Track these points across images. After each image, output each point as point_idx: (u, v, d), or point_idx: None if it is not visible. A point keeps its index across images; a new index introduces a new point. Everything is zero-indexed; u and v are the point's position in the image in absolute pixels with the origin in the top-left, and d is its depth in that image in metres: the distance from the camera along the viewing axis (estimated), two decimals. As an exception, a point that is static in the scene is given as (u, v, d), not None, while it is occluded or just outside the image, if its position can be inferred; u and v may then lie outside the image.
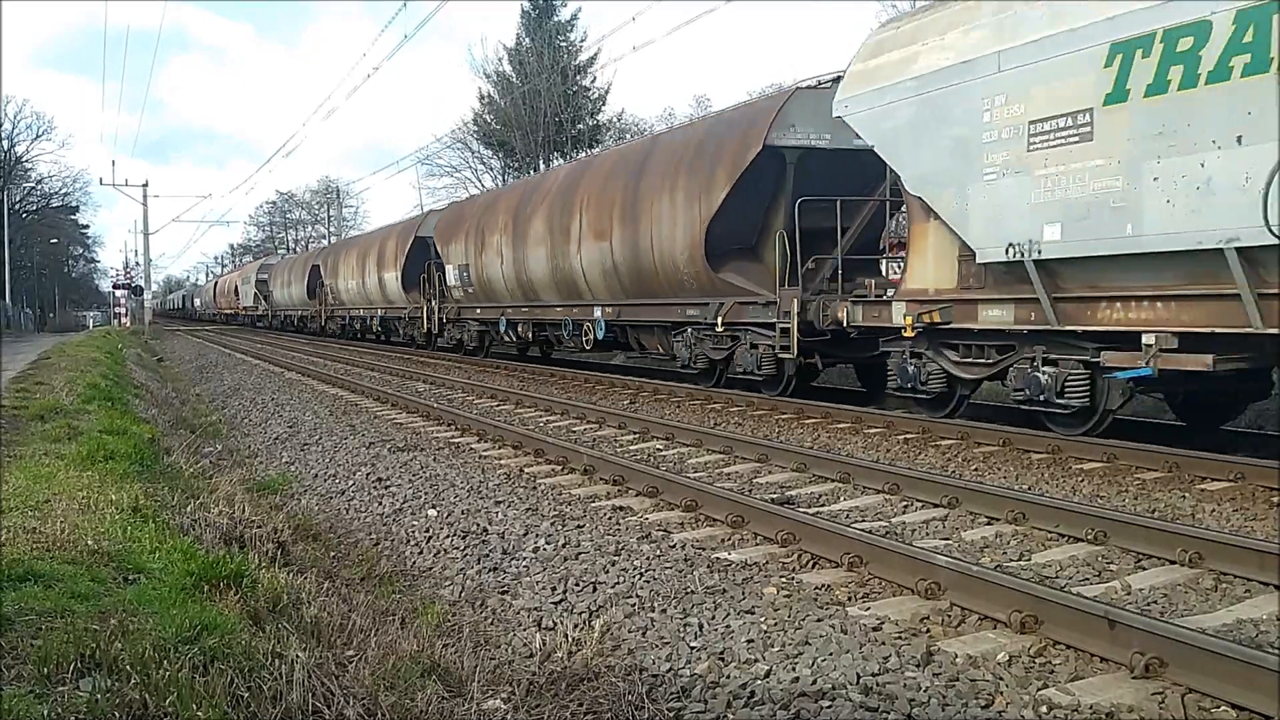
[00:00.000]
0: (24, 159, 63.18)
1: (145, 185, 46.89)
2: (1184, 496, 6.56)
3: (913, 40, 9.33)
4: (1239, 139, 6.57)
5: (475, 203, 23.19)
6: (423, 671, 3.64)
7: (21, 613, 3.34)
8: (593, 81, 43.90)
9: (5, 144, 60.83)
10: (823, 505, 6.59)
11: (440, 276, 23.23)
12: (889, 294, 10.10)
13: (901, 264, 10.38)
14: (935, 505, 6.32)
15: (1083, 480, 7.17)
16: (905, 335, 9.66)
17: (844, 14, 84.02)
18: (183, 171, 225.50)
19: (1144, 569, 4.95)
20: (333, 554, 5.91)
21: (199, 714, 2.71)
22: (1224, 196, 6.68)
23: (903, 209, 10.54)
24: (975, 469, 7.80)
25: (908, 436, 9.22)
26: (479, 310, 21.11)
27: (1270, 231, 6.31)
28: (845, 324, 10.55)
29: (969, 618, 4.20)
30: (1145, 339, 7.38)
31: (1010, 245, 8.22)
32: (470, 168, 48.39)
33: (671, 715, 3.41)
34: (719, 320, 12.45)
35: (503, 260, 18.88)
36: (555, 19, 43.81)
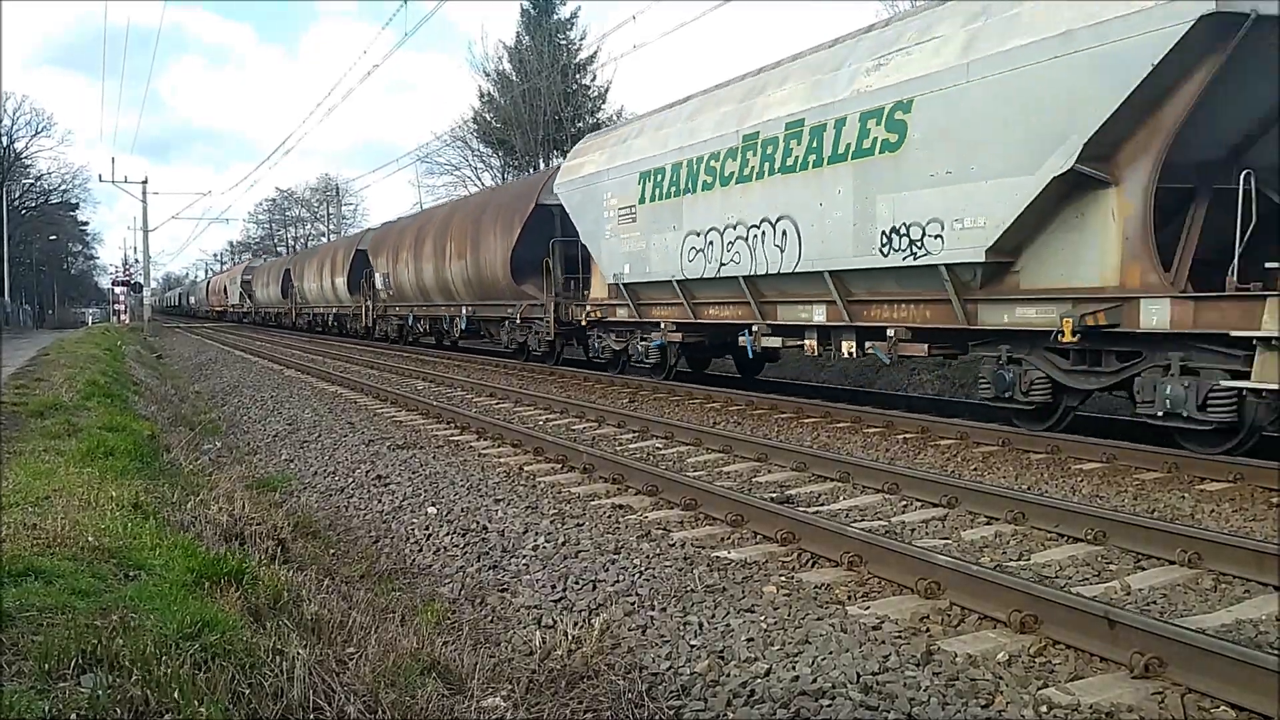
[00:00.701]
0: (23, 155, 63.10)
1: (145, 182, 46.71)
2: (1183, 497, 6.57)
3: (584, 154, 16.09)
4: (674, 228, 13.05)
5: (395, 226, 29.24)
6: (423, 669, 3.64)
7: (22, 609, 3.34)
8: (593, 80, 43.83)
9: (4, 140, 60.73)
10: (822, 504, 6.59)
11: (373, 281, 29.30)
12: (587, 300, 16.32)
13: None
14: (935, 505, 6.32)
15: (1082, 480, 7.17)
16: (583, 324, 16.32)
17: (844, 12, 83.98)
18: (182, 169, 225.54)
19: (1143, 569, 4.96)
20: (333, 551, 5.91)
21: (200, 710, 2.71)
22: (672, 255, 13.13)
23: None
24: (974, 469, 7.81)
25: (907, 436, 9.23)
26: (397, 308, 27.46)
27: (683, 273, 12.85)
28: (572, 319, 16.86)
29: (969, 617, 4.20)
30: (662, 325, 14.00)
31: (615, 275, 14.68)
32: (470, 166, 48.31)
33: (671, 713, 3.42)
34: (518, 316, 18.85)
35: (408, 270, 25.05)
36: (555, 17, 43.74)
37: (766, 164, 11.01)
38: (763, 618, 4.25)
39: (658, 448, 9.11)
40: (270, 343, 32.55)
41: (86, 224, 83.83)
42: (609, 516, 6.26)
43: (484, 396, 14.06)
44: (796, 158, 10.48)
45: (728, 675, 3.67)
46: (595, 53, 42.41)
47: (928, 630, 4.10)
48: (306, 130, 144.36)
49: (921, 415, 9.90)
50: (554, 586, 4.89)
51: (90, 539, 4.34)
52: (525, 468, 8.11)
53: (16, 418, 8.96)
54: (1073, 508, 5.82)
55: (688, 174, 12.56)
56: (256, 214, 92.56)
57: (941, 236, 8.68)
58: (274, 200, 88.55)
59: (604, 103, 44.22)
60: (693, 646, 3.96)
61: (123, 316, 51.36)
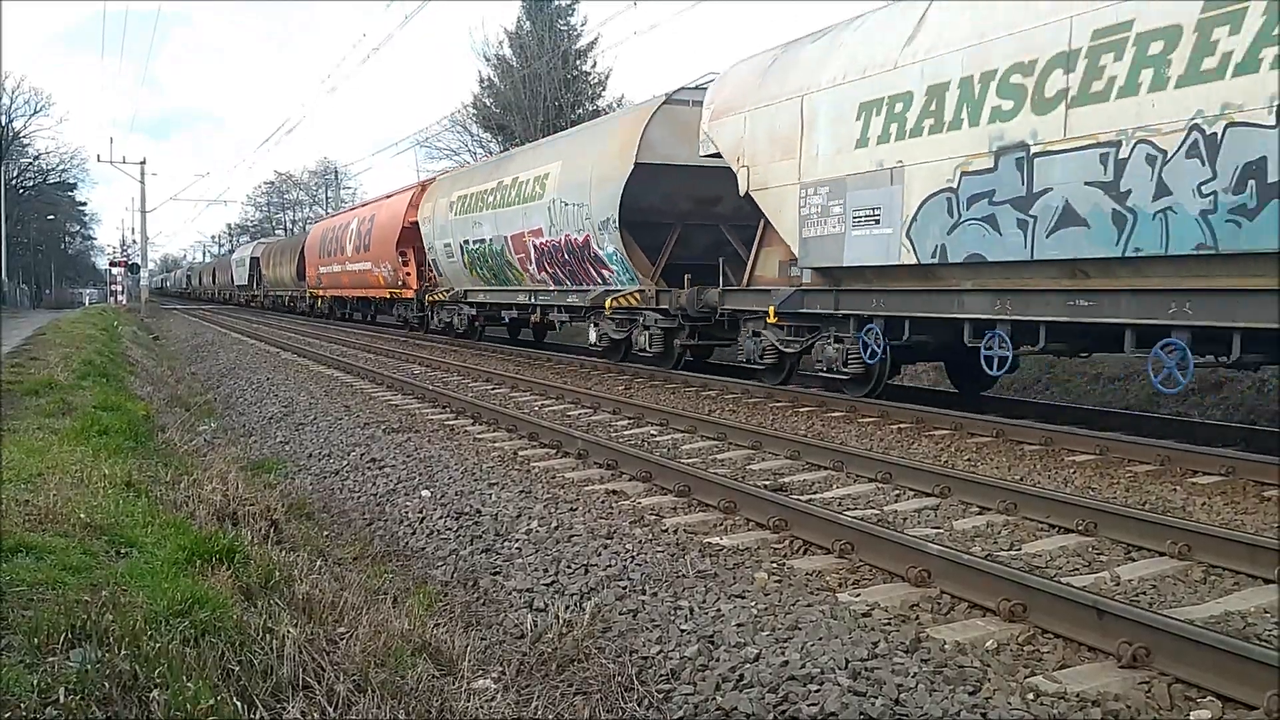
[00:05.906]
0: (21, 135, 62.77)
1: (143, 163, 46.59)
2: (1175, 489, 6.58)
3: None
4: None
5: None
6: (414, 650, 3.66)
7: (13, 584, 3.34)
8: (593, 66, 43.61)
9: (3, 119, 60.40)
10: (815, 492, 6.60)
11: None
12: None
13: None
14: (927, 494, 6.34)
15: (1074, 472, 7.18)
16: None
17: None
18: (181, 147, 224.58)
19: (1133, 560, 4.97)
20: (326, 533, 5.92)
21: (189, 685, 2.72)
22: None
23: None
24: (968, 459, 7.81)
25: (901, 426, 9.24)
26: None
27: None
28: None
29: (958, 605, 4.22)
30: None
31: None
32: (469, 151, 48.09)
33: (661, 696, 3.43)
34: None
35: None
36: (556, 3, 43.52)
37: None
38: (753, 604, 4.25)
39: (652, 434, 9.12)
40: (268, 326, 32.54)
41: (84, 204, 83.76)
42: (602, 502, 6.27)
43: (479, 381, 14.05)
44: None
45: (717, 660, 3.68)
46: (595, 39, 42.24)
47: (917, 618, 4.11)
48: (306, 112, 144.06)
49: (915, 405, 9.91)
50: (546, 570, 4.90)
51: (82, 516, 4.35)
52: (520, 453, 8.12)
53: (12, 396, 8.95)
54: (1064, 499, 5.83)
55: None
56: (255, 196, 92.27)
57: None
58: (272, 183, 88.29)
59: (604, 90, 44.03)
60: (683, 631, 3.97)
61: (120, 297, 51.27)
